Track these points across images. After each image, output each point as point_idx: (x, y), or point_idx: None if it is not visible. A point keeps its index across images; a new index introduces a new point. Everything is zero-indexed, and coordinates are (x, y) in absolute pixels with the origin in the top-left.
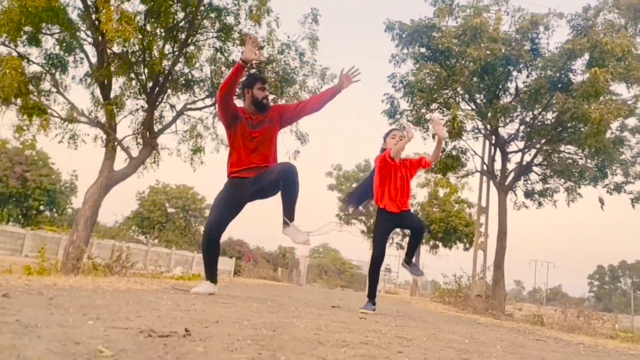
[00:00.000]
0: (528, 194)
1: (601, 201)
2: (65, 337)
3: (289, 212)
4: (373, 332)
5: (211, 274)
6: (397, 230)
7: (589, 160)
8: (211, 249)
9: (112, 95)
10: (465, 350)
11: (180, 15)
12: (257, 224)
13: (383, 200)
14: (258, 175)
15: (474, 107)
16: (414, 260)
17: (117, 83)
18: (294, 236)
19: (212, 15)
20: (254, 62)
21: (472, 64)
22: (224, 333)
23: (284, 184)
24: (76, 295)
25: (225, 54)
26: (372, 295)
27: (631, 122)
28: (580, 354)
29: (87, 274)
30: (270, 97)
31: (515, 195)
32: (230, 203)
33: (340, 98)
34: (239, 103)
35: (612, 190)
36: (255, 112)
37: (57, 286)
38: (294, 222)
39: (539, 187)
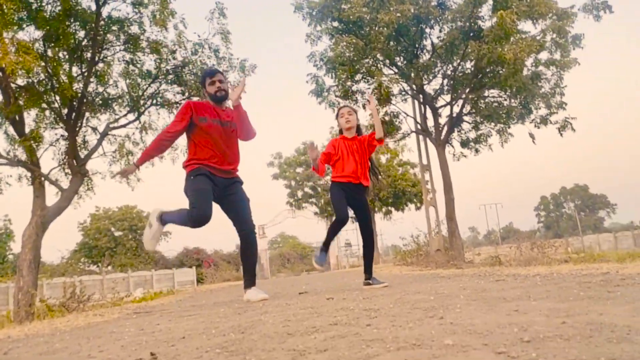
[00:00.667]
0: (464, 144)
1: (531, 136)
2: None
3: (251, 278)
4: (341, 311)
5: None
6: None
7: (512, 100)
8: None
9: (27, 130)
10: (431, 308)
11: (81, 34)
12: (209, 227)
13: (337, 174)
14: (224, 182)
15: (396, 70)
16: None
17: (30, 117)
18: (253, 297)
19: (115, 28)
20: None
21: (385, 29)
22: (192, 347)
23: (248, 246)
24: (33, 343)
25: (138, 65)
26: (325, 246)
27: (543, 56)
28: (537, 286)
29: (42, 319)
30: (225, 86)
31: (453, 147)
32: (210, 192)
33: (268, 86)
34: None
35: (539, 123)
36: (218, 106)
37: (11, 338)
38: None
39: (472, 135)
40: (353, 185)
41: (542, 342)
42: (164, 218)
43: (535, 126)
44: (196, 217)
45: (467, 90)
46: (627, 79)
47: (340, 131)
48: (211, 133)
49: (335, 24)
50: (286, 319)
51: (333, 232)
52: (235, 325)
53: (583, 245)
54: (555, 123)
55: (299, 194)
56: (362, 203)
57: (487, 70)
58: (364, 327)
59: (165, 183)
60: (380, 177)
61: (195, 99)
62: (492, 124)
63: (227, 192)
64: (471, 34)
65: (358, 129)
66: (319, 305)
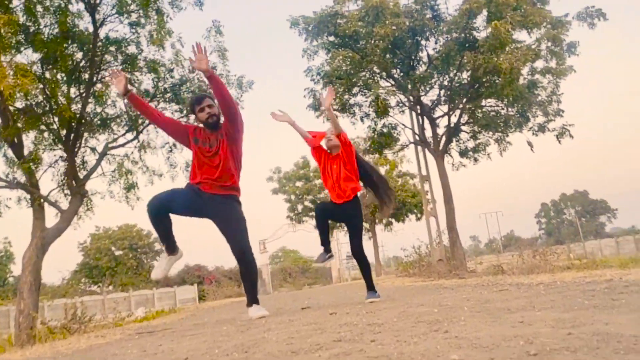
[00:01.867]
0: (462, 153)
1: (529, 144)
2: None
3: (252, 297)
4: (345, 326)
5: (168, 245)
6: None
7: (510, 109)
8: (160, 220)
9: (26, 152)
10: (435, 321)
11: (79, 55)
12: (211, 245)
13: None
14: (214, 198)
15: (393, 82)
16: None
17: (29, 139)
18: (254, 314)
19: (112, 48)
20: (124, 88)
21: (381, 42)
22: None
23: (244, 266)
24: None
25: (136, 85)
26: (324, 243)
27: (539, 64)
28: (541, 295)
29: (44, 341)
30: (215, 110)
31: (452, 157)
32: (186, 195)
33: (265, 101)
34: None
35: (537, 131)
36: (210, 133)
37: None
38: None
39: (470, 144)
40: (343, 205)
41: (549, 355)
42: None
43: (533, 134)
44: (151, 200)
45: (464, 100)
46: (625, 84)
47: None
48: (200, 156)
49: (332, 38)
50: (290, 337)
51: (318, 221)
52: (239, 344)
53: (585, 251)
54: (553, 130)
55: (299, 207)
56: (354, 219)
57: (484, 80)
58: (368, 343)
59: None
60: (375, 176)
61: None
62: (490, 133)
63: (219, 210)
64: (467, 45)
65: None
66: (322, 320)
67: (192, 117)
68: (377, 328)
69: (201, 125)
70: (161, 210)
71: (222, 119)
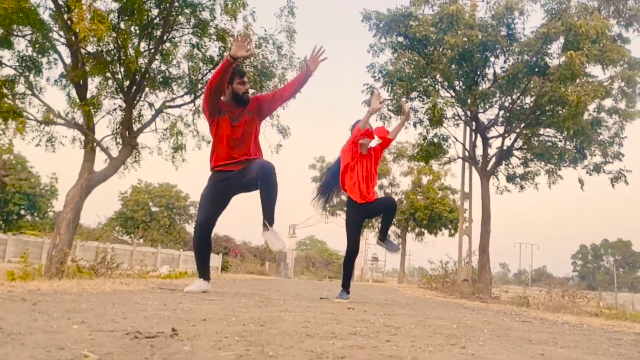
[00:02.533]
0: (510, 178)
1: (581, 182)
2: (49, 343)
3: (268, 215)
4: (361, 322)
5: (204, 271)
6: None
7: (568, 142)
8: (203, 246)
9: (88, 95)
10: (453, 336)
11: (155, 12)
12: (242, 218)
13: (352, 192)
14: (242, 170)
15: (453, 94)
16: (394, 239)
17: (93, 83)
18: (271, 242)
19: (187, 11)
20: (244, 58)
21: (449, 51)
22: (212, 331)
23: (262, 184)
24: (60, 299)
25: (203, 50)
26: (345, 285)
27: (607, 103)
28: (565, 334)
29: (71, 277)
30: (251, 91)
31: (498, 179)
32: (217, 198)
33: (322, 90)
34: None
35: (592, 170)
36: (236, 106)
37: (40, 291)
38: (273, 227)
39: (520, 170)
40: (367, 205)
41: None
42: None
43: (587, 172)
44: (195, 226)
45: (522, 125)
46: None
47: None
48: (224, 128)
49: (400, 39)
50: (306, 320)
51: (347, 266)
52: (255, 317)
53: (616, 302)
54: (608, 173)
55: (335, 200)
56: (376, 207)
57: (547, 108)
58: (384, 342)
59: (207, 170)
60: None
61: (251, 91)
62: (543, 162)
63: (244, 172)
64: (536, 69)
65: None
66: (339, 312)
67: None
68: (393, 330)
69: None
70: (204, 234)
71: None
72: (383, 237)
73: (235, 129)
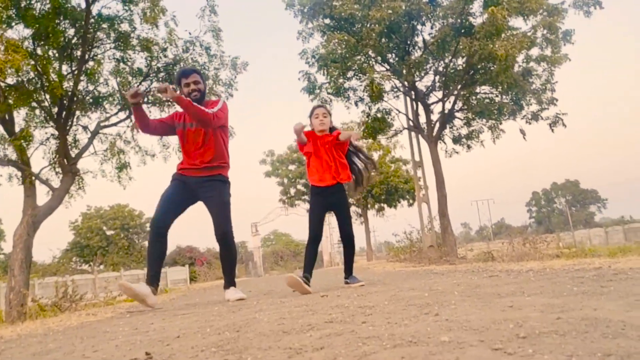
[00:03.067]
0: (456, 140)
1: (522, 132)
2: None
3: (230, 279)
4: (336, 308)
5: (152, 274)
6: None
7: (504, 97)
8: (155, 245)
9: (17, 129)
10: (426, 305)
11: (71, 31)
12: (202, 224)
13: (311, 177)
14: (199, 180)
15: (388, 67)
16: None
17: (20, 115)
18: (231, 297)
19: (105, 25)
20: (138, 100)
21: (377, 25)
22: (187, 347)
23: (224, 249)
24: (26, 344)
25: (129, 63)
26: (306, 271)
27: (534, 52)
28: (531, 281)
29: (34, 318)
30: (202, 87)
31: (445, 143)
32: (172, 195)
33: (259, 83)
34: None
35: (530, 119)
36: None
37: (3, 339)
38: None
39: (464, 131)
40: (330, 188)
41: (538, 338)
42: None
43: (526, 122)
44: (150, 224)
45: (459, 86)
46: (618, 74)
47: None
48: (182, 136)
49: (327, 21)
50: (281, 317)
51: (308, 251)
52: (230, 324)
53: (574, 240)
54: (546, 119)
55: (292, 191)
56: (339, 203)
57: (479, 66)
58: (360, 324)
59: (157, 182)
60: (369, 167)
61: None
62: (484, 120)
63: (205, 191)
64: (462, 31)
65: (331, 131)
66: (313, 302)
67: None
68: (368, 310)
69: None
70: (160, 232)
71: (206, 97)
72: (348, 275)
73: (190, 135)
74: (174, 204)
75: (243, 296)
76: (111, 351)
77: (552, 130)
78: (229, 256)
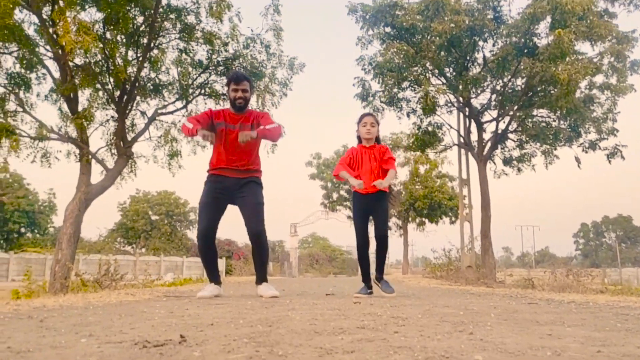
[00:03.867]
0: (506, 161)
1: (577, 160)
2: (59, 358)
3: (262, 276)
4: (369, 316)
5: (213, 276)
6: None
7: (562, 122)
8: (207, 253)
9: (79, 108)
10: (461, 322)
11: (140, 19)
12: (241, 221)
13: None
14: (237, 182)
15: (444, 81)
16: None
17: (84, 96)
18: (265, 293)
19: (172, 16)
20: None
21: (438, 38)
22: (220, 334)
23: (257, 248)
24: (67, 314)
25: (191, 54)
26: (365, 280)
27: (599, 79)
28: (572, 312)
29: (76, 292)
30: (248, 95)
31: (494, 164)
32: (213, 203)
33: (315, 86)
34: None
35: (587, 148)
36: (235, 113)
37: (46, 308)
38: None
39: (516, 153)
40: (372, 196)
41: None
42: None
43: (583, 150)
44: (198, 234)
45: (515, 107)
46: None
47: (359, 139)
48: (223, 136)
49: (388, 29)
50: (313, 318)
51: (360, 258)
52: (263, 318)
53: (621, 278)
54: (604, 149)
55: (334, 196)
56: (380, 209)
57: (539, 89)
58: (392, 333)
59: (205, 173)
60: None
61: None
62: (538, 144)
63: (240, 192)
64: (525, 51)
65: (377, 140)
66: (345, 308)
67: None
68: (401, 321)
69: (227, 106)
70: (209, 241)
71: (249, 106)
72: (379, 277)
73: (230, 135)
74: (215, 210)
75: (276, 293)
76: (147, 330)
77: (609, 161)
78: (262, 254)
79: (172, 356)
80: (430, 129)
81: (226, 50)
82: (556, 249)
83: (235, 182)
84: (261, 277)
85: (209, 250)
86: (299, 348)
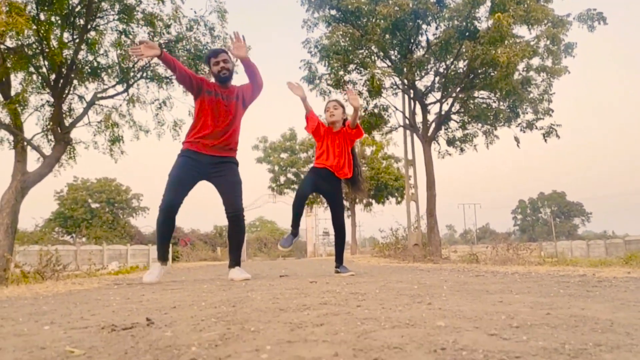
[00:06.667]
0: (450, 142)
1: (516, 140)
2: (27, 345)
3: (235, 258)
4: (328, 293)
5: (163, 253)
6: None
7: (501, 103)
8: (166, 228)
9: (12, 93)
10: (417, 295)
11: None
12: (188, 206)
13: (318, 161)
14: (213, 160)
15: (389, 63)
16: None
17: (17, 80)
18: (236, 276)
19: None
20: (158, 50)
21: (382, 21)
22: (186, 316)
23: (235, 227)
24: (18, 305)
25: (131, 37)
26: (293, 226)
27: (535, 61)
28: (517, 282)
29: (17, 284)
30: (229, 66)
31: (439, 144)
32: (185, 178)
33: (260, 69)
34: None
35: (525, 128)
36: (222, 86)
37: None
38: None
39: (459, 134)
40: (329, 173)
41: (530, 328)
42: None
43: (521, 130)
44: (161, 206)
45: (458, 89)
46: (614, 90)
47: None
48: (213, 105)
49: (333, 12)
50: (274, 297)
51: (294, 208)
52: (224, 300)
53: (556, 251)
54: (540, 129)
55: (282, 179)
56: (334, 193)
57: (480, 71)
58: (355, 307)
59: (149, 159)
60: (359, 170)
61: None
62: (479, 124)
63: (217, 171)
64: (467, 34)
65: (344, 123)
66: (303, 287)
67: None
68: (360, 297)
69: (212, 80)
70: (171, 214)
71: (233, 77)
72: (338, 265)
73: (222, 107)
74: (184, 185)
75: (248, 276)
76: (109, 316)
77: (545, 140)
78: (239, 234)
79: (145, 337)
80: (376, 111)
81: (168, 33)
82: (496, 225)
83: (211, 159)
84: (235, 260)
85: (168, 225)
86: (269, 324)
